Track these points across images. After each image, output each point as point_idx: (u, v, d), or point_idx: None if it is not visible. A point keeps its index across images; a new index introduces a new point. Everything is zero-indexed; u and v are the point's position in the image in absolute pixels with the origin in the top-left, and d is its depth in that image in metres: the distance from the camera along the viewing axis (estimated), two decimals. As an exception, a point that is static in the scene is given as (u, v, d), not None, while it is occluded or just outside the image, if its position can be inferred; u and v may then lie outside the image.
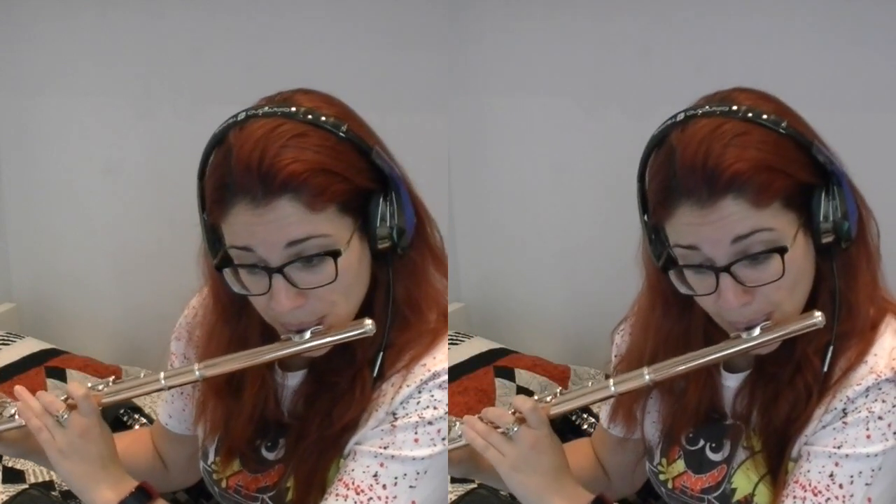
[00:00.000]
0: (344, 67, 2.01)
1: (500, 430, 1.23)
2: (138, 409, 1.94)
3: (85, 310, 2.42)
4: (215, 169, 1.16)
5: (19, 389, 1.25)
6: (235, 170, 1.12)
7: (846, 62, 1.88)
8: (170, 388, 1.25)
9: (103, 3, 2.22)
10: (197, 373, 1.22)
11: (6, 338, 2.21)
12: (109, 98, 2.25)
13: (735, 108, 1.15)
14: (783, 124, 1.14)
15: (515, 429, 1.22)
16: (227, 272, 1.18)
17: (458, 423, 1.27)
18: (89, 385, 1.24)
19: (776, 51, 1.89)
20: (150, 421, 1.93)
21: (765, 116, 1.14)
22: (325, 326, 1.19)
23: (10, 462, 1.82)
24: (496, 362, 2.11)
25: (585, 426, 1.91)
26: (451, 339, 2.17)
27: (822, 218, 1.16)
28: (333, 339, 1.19)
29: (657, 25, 2.05)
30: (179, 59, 2.18)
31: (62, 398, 1.23)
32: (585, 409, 1.94)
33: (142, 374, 1.25)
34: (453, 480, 1.78)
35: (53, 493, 1.79)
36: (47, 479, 1.81)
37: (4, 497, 1.78)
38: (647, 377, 1.22)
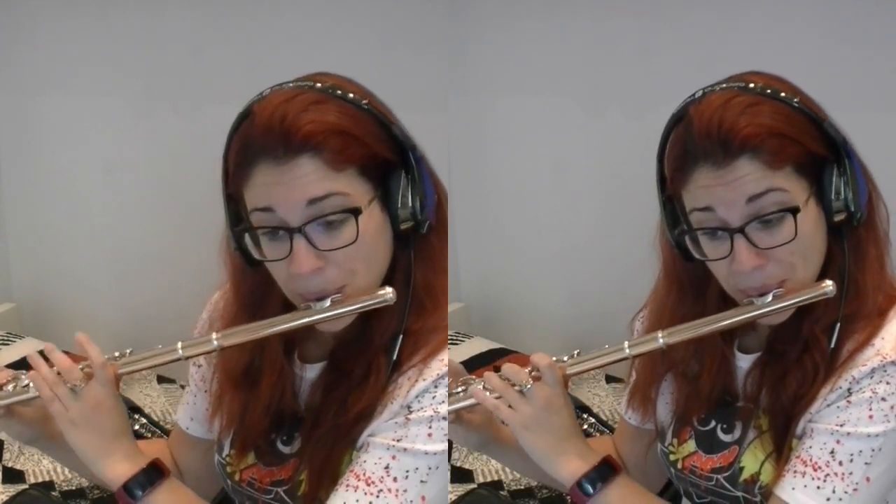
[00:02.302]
0: (344, 67, 2.00)
1: (515, 389, 1.23)
2: (138, 410, 1.94)
3: (85, 310, 2.42)
4: (238, 137, 1.17)
5: (33, 356, 1.24)
6: (257, 131, 1.14)
7: (846, 62, 1.88)
8: (187, 357, 1.22)
9: (103, 3, 2.22)
10: (215, 342, 1.20)
11: (6, 338, 2.21)
12: (109, 98, 2.25)
13: (751, 85, 1.19)
14: (796, 100, 1.19)
15: (529, 386, 1.23)
16: (248, 239, 1.19)
17: (474, 381, 1.28)
18: (105, 357, 1.23)
19: (776, 50, 1.89)
20: (151, 421, 1.93)
21: (780, 94, 1.19)
22: (345, 297, 1.18)
23: (10, 462, 1.82)
24: (496, 362, 2.11)
25: (586, 426, 1.91)
26: (451, 339, 2.17)
27: (833, 194, 1.19)
28: (353, 307, 1.18)
29: (657, 25, 2.06)
30: (179, 59, 2.18)
31: (80, 367, 1.22)
32: (586, 409, 1.94)
33: (159, 346, 1.24)
34: (453, 480, 1.78)
35: (53, 493, 1.79)
36: (47, 479, 1.81)
37: (4, 497, 1.78)
38: (660, 340, 1.24)
